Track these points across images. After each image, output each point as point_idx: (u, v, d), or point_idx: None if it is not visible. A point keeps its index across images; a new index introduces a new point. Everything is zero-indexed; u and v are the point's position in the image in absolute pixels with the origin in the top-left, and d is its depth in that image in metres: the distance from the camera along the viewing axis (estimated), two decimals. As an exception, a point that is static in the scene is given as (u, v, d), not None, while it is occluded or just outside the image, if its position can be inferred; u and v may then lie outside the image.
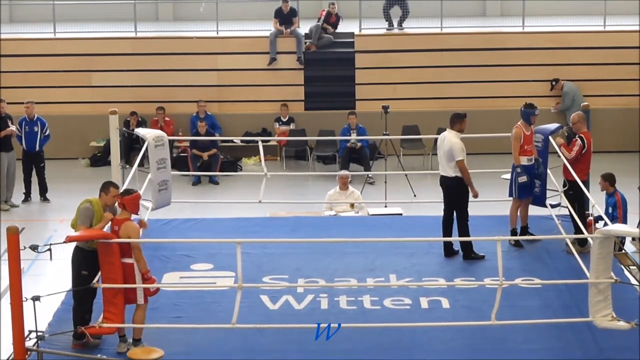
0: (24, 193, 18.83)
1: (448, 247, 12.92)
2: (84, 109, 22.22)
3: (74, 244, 10.46)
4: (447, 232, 12.91)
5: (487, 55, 22.27)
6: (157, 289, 10.53)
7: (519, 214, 13.29)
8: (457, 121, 12.73)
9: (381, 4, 22.86)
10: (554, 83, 22.00)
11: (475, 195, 12.69)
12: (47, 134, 18.78)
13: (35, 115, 18.72)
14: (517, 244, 13.09)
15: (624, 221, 13.71)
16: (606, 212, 13.44)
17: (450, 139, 12.62)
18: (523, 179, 13.00)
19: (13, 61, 22.01)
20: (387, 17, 22.91)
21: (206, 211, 16.79)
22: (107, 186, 10.67)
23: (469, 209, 12.82)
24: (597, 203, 12.78)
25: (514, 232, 13.24)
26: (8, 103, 18.97)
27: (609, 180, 13.93)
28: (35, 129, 18.66)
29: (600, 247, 10.11)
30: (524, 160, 13.04)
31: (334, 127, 21.30)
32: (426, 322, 10.94)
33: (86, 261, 10.43)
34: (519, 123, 13.10)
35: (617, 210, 13.77)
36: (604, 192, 14.03)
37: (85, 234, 10.27)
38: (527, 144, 13.03)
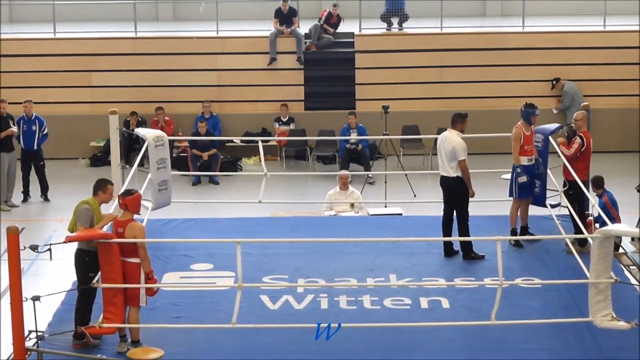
0: (22, 192, 18.82)
1: (448, 247, 12.93)
2: (84, 109, 22.21)
3: (74, 245, 10.46)
4: (447, 232, 12.91)
5: (487, 55, 22.26)
6: (157, 290, 10.54)
7: (519, 214, 13.29)
8: (459, 121, 12.74)
9: (381, 4, 22.85)
10: (554, 82, 21.99)
11: (472, 195, 12.71)
12: (45, 132, 18.75)
13: (34, 114, 18.70)
14: (517, 244, 13.09)
15: (620, 220, 13.73)
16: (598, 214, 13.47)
17: (452, 138, 12.63)
18: (523, 179, 13.00)
19: (13, 61, 22.01)
20: (386, 20, 22.88)
21: (206, 211, 16.79)
22: (104, 184, 10.67)
23: (469, 209, 12.83)
24: (596, 203, 12.79)
25: (514, 232, 13.25)
26: (8, 103, 18.95)
27: (594, 183, 14.00)
28: (33, 127, 18.64)
29: (600, 247, 10.12)
30: (524, 161, 13.04)
31: (334, 127, 21.29)
32: (426, 322, 10.94)
33: (92, 263, 10.41)
34: (519, 123, 13.10)
35: (611, 211, 13.78)
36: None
37: (85, 234, 10.27)
38: (527, 144, 13.04)
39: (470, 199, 12.79)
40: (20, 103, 18.89)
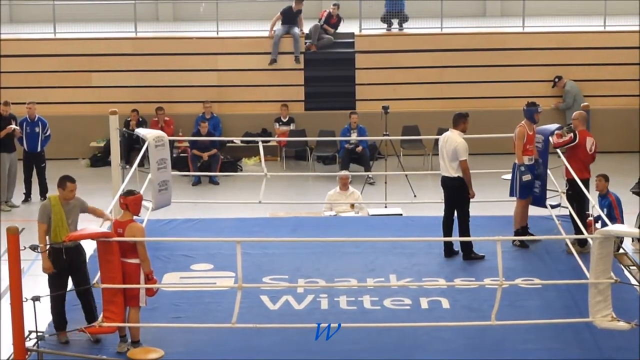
0: (24, 193, 18.83)
1: (448, 247, 12.92)
2: (84, 109, 22.21)
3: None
4: (447, 232, 12.91)
5: (487, 55, 22.25)
6: (157, 290, 10.53)
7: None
8: (461, 121, 12.75)
9: (381, 4, 22.85)
10: (556, 80, 21.94)
11: (472, 196, 12.72)
12: (48, 134, 18.75)
13: (37, 116, 18.71)
14: (522, 244, 13.08)
15: (622, 221, 13.73)
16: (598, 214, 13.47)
17: (454, 138, 12.63)
18: (527, 177, 13.00)
19: (13, 61, 22.00)
20: (386, 21, 22.87)
21: (206, 211, 16.79)
22: (62, 181, 10.75)
23: (470, 209, 12.82)
24: (597, 203, 12.79)
25: (517, 233, 13.21)
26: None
27: (608, 180, 14.01)
28: (37, 129, 18.63)
29: (600, 247, 10.11)
30: (525, 160, 13.04)
31: (334, 128, 21.30)
32: (426, 322, 10.94)
33: (55, 257, 10.44)
34: (522, 122, 13.12)
35: (614, 211, 13.77)
36: (598, 193, 14.01)
37: (85, 233, 10.28)
38: (529, 144, 13.06)
39: (471, 200, 12.79)
40: (21, 104, 18.89)
